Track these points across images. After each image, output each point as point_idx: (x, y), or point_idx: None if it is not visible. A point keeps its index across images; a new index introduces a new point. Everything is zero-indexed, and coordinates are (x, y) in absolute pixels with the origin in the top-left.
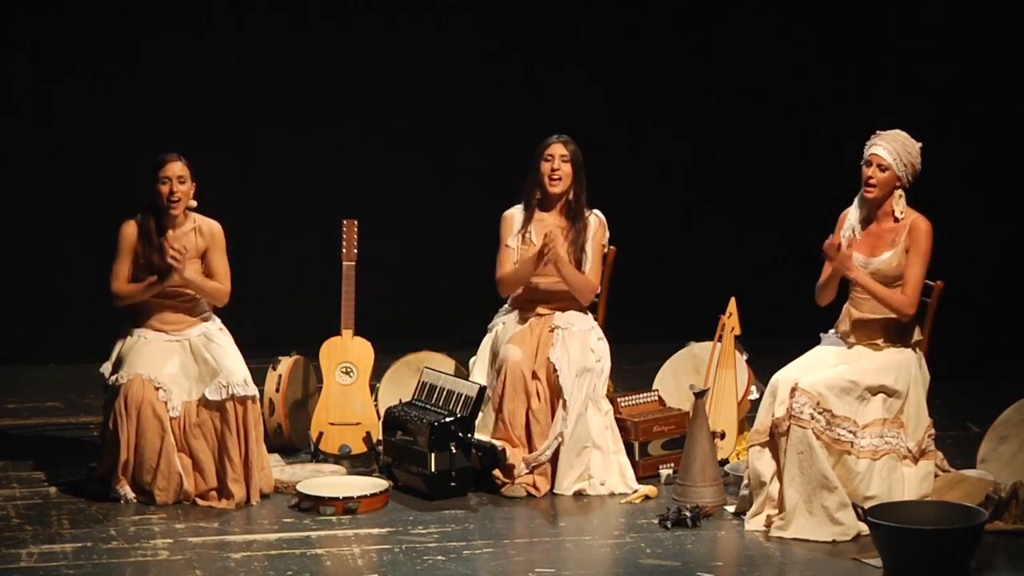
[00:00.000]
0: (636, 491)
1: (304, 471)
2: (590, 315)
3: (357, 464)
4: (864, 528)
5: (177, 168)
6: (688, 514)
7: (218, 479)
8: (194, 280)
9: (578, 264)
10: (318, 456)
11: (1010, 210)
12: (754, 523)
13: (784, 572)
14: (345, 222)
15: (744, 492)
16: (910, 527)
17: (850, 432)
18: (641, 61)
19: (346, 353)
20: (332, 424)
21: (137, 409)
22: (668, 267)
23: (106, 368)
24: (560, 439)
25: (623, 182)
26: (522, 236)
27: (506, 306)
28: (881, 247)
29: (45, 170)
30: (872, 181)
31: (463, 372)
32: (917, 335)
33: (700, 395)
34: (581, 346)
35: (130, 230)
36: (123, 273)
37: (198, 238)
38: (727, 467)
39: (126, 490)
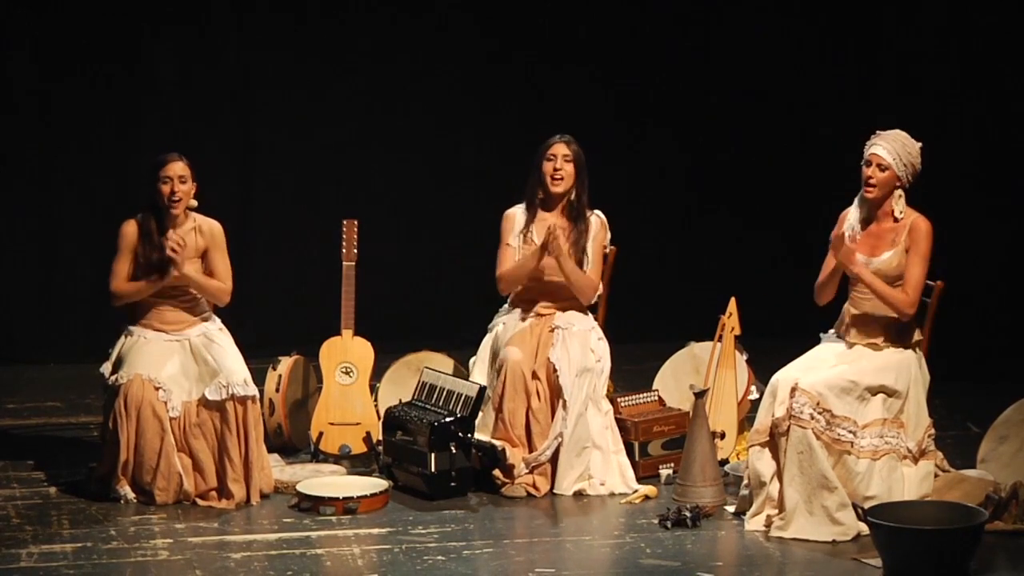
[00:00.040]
0: (636, 491)
1: (304, 471)
2: (590, 315)
3: (357, 464)
4: (864, 528)
5: (178, 168)
6: (688, 514)
7: (218, 479)
8: (194, 277)
9: (579, 264)
10: (318, 456)
11: (1010, 210)
12: (754, 523)
13: (784, 572)
14: (345, 222)
15: (744, 492)
16: (910, 527)
17: (850, 432)
18: (641, 61)
19: (346, 353)
20: (332, 424)
21: (137, 409)
22: (668, 267)
23: (106, 368)
24: (560, 439)
25: (623, 182)
26: (524, 236)
27: (506, 306)
28: (881, 247)
29: (45, 170)
30: (872, 181)
31: (463, 372)
32: (917, 335)
33: (700, 395)
34: (581, 346)
35: (130, 229)
36: (122, 272)
37: (198, 238)
38: (727, 467)
39: (126, 490)
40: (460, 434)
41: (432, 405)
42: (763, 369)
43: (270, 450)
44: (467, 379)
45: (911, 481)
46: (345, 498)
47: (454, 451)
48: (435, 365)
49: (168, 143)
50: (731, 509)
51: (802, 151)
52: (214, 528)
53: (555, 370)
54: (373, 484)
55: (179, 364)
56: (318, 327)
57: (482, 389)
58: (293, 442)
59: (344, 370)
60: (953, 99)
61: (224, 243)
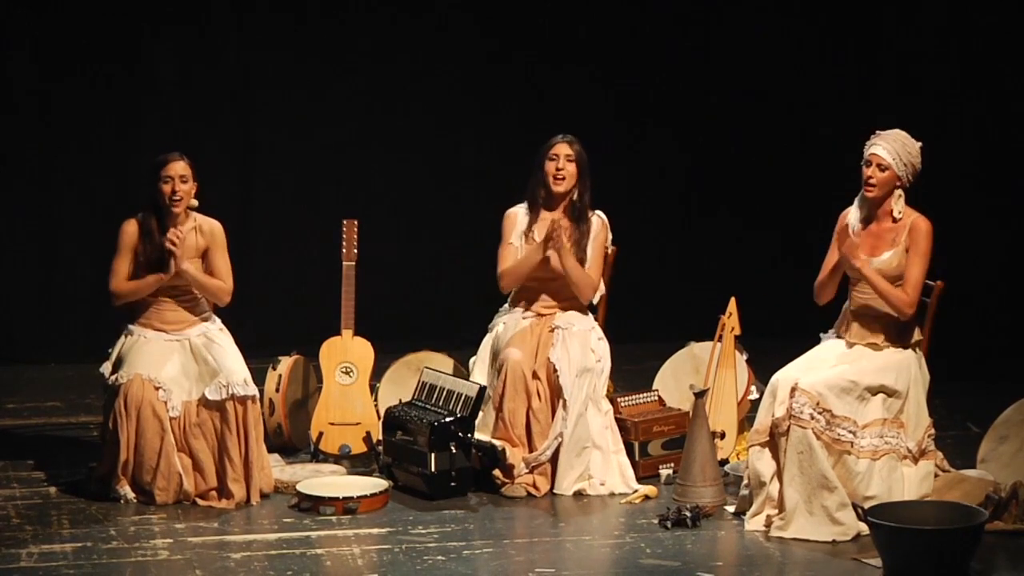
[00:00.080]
0: (636, 491)
1: (304, 471)
2: (590, 315)
3: (357, 464)
4: (864, 528)
5: (179, 167)
6: (688, 514)
7: (218, 479)
8: (194, 274)
9: (580, 264)
10: (318, 456)
11: (1010, 210)
12: (754, 523)
13: (784, 572)
14: (345, 222)
15: (744, 492)
16: (910, 527)
17: (850, 432)
18: (641, 61)
19: (346, 353)
20: (332, 424)
21: (137, 409)
22: (668, 267)
23: (106, 368)
24: (560, 439)
25: (623, 182)
26: (526, 236)
27: (506, 306)
28: (881, 247)
29: (45, 170)
30: (872, 181)
31: (463, 372)
32: (917, 335)
33: (700, 395)
34: (581, 346)
35: (131, 228)
36: (122, 271)
37: (199, 237)
38: (727, 467)
39: (126, 490)
40: (460, 434)
41: (432, 405)
42: (763, 369)
43: (270, 450)
44: (467, 379)
45: (911, 481)
46: (345, 498)
47: (454, 451)
48: (435, 365)
49: (168, 143)
50: (731, 509)
51: (802, 151)
52: (214, 528)
53: (555, 370)
54: (373, 484)
55: (179, 364)
56: (318, 327)
57: (482, 389)
58: (293, 442)
59: (344, 370)
60: (953, 99)
61: (224, 243)
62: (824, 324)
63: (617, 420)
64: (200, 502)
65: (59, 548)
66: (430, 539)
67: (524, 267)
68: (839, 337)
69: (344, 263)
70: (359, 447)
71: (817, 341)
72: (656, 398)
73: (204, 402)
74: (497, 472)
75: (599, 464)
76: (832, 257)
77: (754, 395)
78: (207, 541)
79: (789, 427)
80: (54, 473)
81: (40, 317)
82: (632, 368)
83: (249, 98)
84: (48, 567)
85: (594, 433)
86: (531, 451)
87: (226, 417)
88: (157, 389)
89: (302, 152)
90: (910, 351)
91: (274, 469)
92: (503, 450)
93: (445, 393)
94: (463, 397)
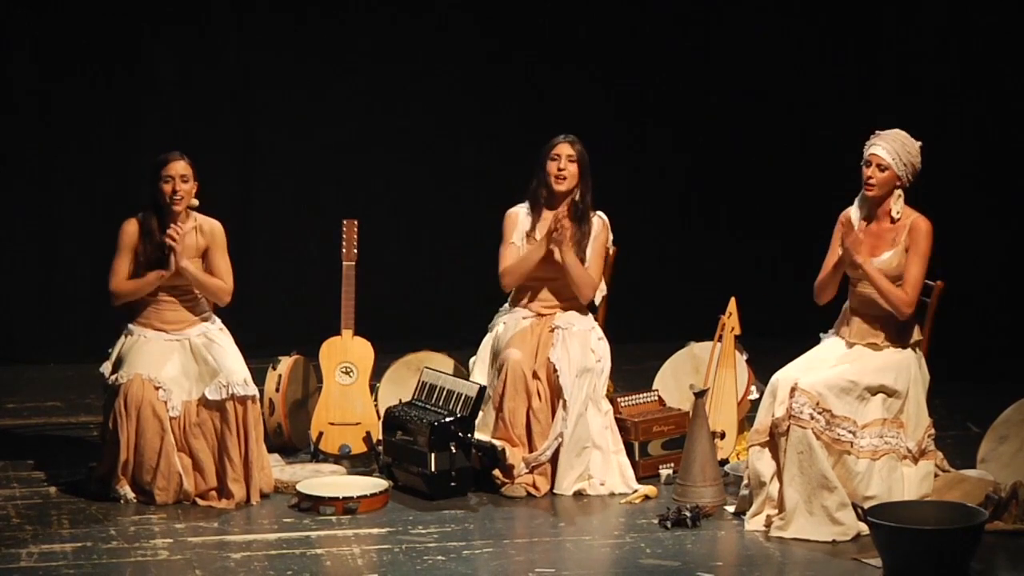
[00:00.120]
0: (636, 491)
1: (304, 471)
2: (590, 315)
3: (357, 464)
4: (864, 528)
5: (180, 167)
6: (688, 514)
7: (218, 479)
8: (194, 272)
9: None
10: (318, 456)
11: (1010, 210)
12: (754, 523)
13: (784, 572)
14: (345, 222)
15: (744, 492)
16: (910, 527)
17: (850, 432)
18: (641, 61)
19: (346, 353)
20: (332, 424)
21: (137, 409)
22: (668, 267)
23: (106, 368)
24: (560, 439)
25: (623, 182)
26: (528, 235)
27: (506, 305)
28: (881, 247)
29: (45, 170)
30: (872, 181)
31: (463, 372)
32: (917, 335)
33: (700, 395)
34: (581, 346)
35: (131, 228)
36: (122, 271)
37: (199, 237)
38: (727, 467)
39: (126, 490)
40: (460, 434)
41: (432, 405)
42: (763, 369)
43: (270, 450)
44: (467, 379)
45: (911, 481)
46: (345, 498)
47: (454, 451)
48: (435, 365)
49: (168, 143)
50: (731, 509)
51: (802, 151)
52: (214, 528)
53: (555, 370)
54: (373, 484)
55: (179, 364)
56: (318, 327)
57: (482, 389)
58: (293, 442)
59: (344, 370)
60: (953, 99)
61: (224, 242)
62: (824, 324)
63: (617, 420)
64: (200, 502)
65: (59, 548)
66: (430, 539)
67: (526, 264)
68: (839, 337)
69: (344, 263)
70: (359, 447)
71: (817, 341)
72: (656, 398)
73: (204, 402)
74: (497, 472)
75: (599, 464)
76: (832, 257)
77: (754, 395)
78: (207, 541)
79: (789, 427)
80: (54, 473)
81: (40, 317)
82: (632, 368)
83: (249, 98)
84: (48, 567)
85: (594, 433)
86: (531, 451)
87: (226, 417)
88: (157, 389)
89: (302, 152)
90: (910, 351)
91: (274, 469)
92: (503, 450)
93: (445, 393)
94: (463, 397)
